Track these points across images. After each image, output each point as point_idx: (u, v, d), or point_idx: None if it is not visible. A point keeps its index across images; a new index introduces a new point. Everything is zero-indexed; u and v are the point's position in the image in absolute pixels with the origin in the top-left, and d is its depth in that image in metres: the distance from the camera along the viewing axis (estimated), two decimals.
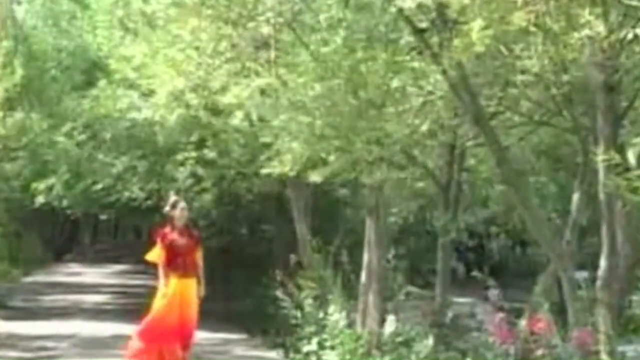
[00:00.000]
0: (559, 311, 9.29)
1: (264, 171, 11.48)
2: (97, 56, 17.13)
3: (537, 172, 14.82)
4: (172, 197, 11.76)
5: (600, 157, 7.36)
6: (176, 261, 11.12)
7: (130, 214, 22.02)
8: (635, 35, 6.25)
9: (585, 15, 6.28)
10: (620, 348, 8.26)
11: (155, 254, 11.30)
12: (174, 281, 11.07)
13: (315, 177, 10.97)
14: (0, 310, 18.49)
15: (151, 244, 11.66)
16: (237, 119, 11.30)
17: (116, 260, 36.05)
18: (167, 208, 11.45)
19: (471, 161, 13.16)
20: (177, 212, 11.29)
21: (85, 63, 19.83)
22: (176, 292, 11.05)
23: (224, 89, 10.67)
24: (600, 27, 6.21)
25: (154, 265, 11.68)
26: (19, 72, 16.49)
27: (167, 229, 11.30)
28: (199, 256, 11.35)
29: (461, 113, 10.03)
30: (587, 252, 13.64)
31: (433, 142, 11.37)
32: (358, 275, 12.61)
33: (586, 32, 6.28)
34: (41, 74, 19.10)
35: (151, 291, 11.82)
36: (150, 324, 11.07)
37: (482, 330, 10.45)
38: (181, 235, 11.26)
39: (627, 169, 6.52)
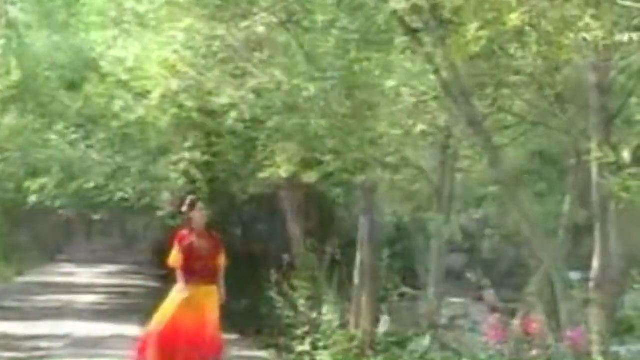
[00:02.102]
0: (552, 311, 9.30)
1: (260, 175, 11.39)
2: (90, 55, 17.06)
3: (531, 173, 14.83)
4: (189, 197, 10.97)
5: (594, 154, 7.38)
6: (194, 266, 10.31)
7: (123, 214, 22.02)
8: (630, 38, 6.26)
9: (585, 18, 6.28)
10: (613, 348, 8.28)
11: (173, 258, 10.47)
12: (189, 288, 10.22)
13: (308, 178, 10.95)
14: None
15: (169, 248, 10.85)
16: (231, 120, 11.20)
17: (110, 260, 36.01)
18: (183, 209, 10.61)
19: (465, 162, 13.15)
20: (196, 213, 10.46)
21: (78, 62, 19.77)
22: (190, 300, 10.21)
23: (217, 90, 10.63)
24: (597, 30, 6.22)
25: (149, 266, 11.58)
26: (15, 73, 16.39)
27: (185, 232, 10.51)
28: (221, 260, 10.57)
29: (454, 114, 10.03)
30: (580, 252, 13.65)
31: (426, 142, 11.37)
32: (352, 276, 12.61)
33: (582, 34, 6.29)
34: (35, 73, 19.04)
35: (147, 292, 11.77)
36: (162, 331, 10.25)
37: (476, 331, 10.47)
38: (201, 238, 10.47)
39: (620, 168, 6.52)
